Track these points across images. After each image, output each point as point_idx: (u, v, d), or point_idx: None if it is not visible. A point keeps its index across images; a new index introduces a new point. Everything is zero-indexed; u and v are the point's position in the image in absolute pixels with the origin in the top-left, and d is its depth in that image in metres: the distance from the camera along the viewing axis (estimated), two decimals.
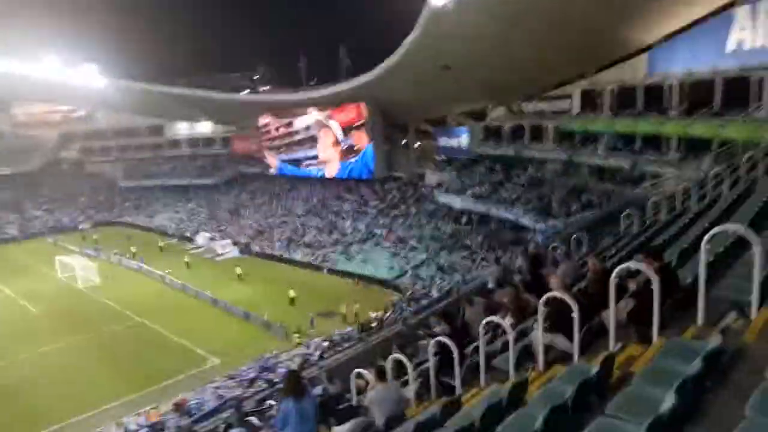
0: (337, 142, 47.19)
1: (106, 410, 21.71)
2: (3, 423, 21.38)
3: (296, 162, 51.70)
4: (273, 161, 54.10)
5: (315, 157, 49.73)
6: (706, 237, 4.76)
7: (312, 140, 49.31)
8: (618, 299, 5.46)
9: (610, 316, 5.40)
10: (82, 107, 68.35)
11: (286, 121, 50.59)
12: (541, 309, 6.18)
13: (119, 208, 64.76)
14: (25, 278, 42.40)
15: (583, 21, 24.77)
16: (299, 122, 49.92)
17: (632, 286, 6.05)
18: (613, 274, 5.32)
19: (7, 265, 47.41)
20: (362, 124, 44.65)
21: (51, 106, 69.08)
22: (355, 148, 46.04)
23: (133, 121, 66.03)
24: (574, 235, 14.79)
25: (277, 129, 51.94)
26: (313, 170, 50.53)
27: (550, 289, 7.16)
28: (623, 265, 5.51)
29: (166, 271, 39.65)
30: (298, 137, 50.55)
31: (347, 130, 45.86)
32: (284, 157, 52.62)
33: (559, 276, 7.69)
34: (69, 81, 51.66)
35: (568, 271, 9.58)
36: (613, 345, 5.34)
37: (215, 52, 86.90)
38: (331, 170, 48.77)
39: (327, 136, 47.92)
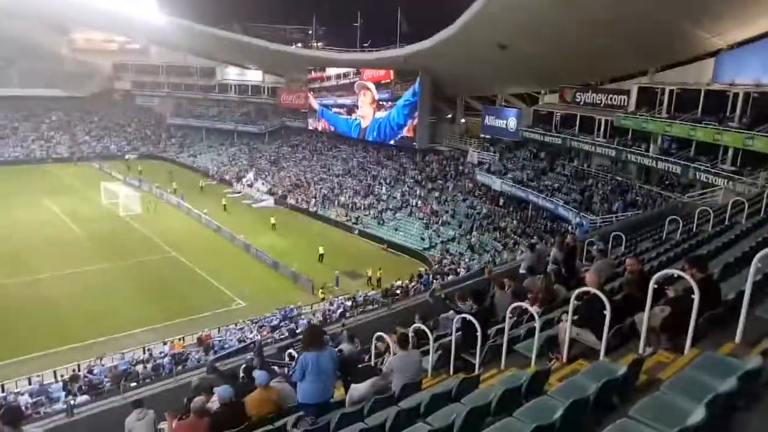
0: (374, 101, 48.55)
1: (133, 334, 22.86)
2: (42, 332, 22.76)
3: (329, 107, 53.16)
4: (314, 104, 55.04)
5: (343, 106, 51.57)
6: (760, 253, 4.65)
7: (342, 89, 51.17)
8: (654, 304, 5.42)
9: (644, 319, 5.37)
10: (138, 40, 69.38)
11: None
12: (573, 302, 6.17)
13: (165, 143, 66.40)
14: (72, 198, 44.30)
15: (650, 15, 23.67)
16: (331, 70, 51.87)
17: (670, 293, 5.98)
18: (654, 278, 5.27)
19: (56, 183, 49.58)
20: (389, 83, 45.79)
21: (108, 35, 70.28)
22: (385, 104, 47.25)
23: (186, 59, 66.94)
24: (613, 234, 14.55)
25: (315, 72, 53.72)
26: (345, 118, 52.00)
27: (581, 283, 7.14)
28: (666, 270, 5.44)
29: (204, 211, 40.74)
30: (328, 84, 52.59)
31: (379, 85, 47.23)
32: (322, 101, 53.77)
33: (595, 271, 7.64)
34: (128, 12, 52.43)
35: (603, 268, 9.48)
36: (643, 348, 5.33)
37: (273, 1, 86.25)
38: (365, 123, 50.12)
39: (366, 95, 49.06)
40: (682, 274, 5.30)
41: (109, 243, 34.50)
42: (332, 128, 53.87)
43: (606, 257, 11.69)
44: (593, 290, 5.94)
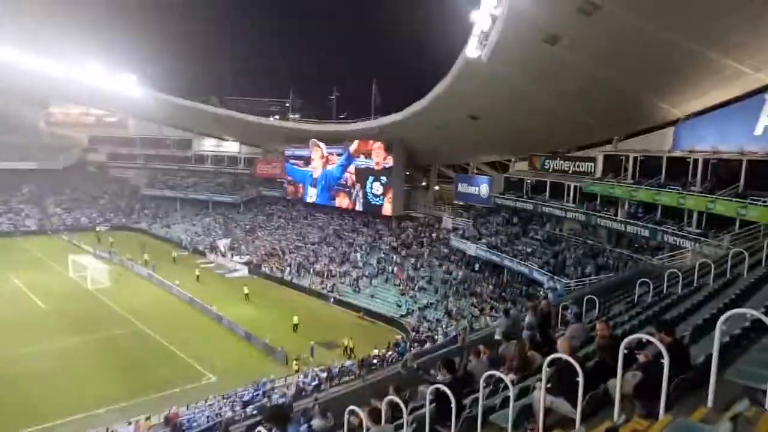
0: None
1: (98, 415, 21.62)
2: (3, 412, 21.44)
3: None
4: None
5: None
6: (723, 317, 4.71)
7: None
8: (626, 370, 5.38)
9: (617, 386, 5.31)
10: (116, 113, 70.18)
11: None
12: (546, 369, 6.09)
13: (138, 214, 65.68)
14: (38, 272, 42.94)
15: (612, 88, 25.14)
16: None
17: (642, 358, 5.96)
18: (623, 344, 5.26)
19: (22, 257, 48.17)
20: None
21: (86, 109, 71.02)
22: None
23: (162, 131, 67.70)
24: (587, 297, 14.63)
25: None
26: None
27: (556, 349, 7.08)
28: (634, 336, 5.43)
29: (176, 282, 39.85)
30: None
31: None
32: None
33: (567, 338, 7.60)
34: (107, 87, 53.33)
35: (577, 333, 9.47)
36: (617, 416, 5.23)
37: (249, 75, 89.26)
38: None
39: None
40: (650, 338, 5.31)
41: (76, 317, 33.23)
42: (299, 189, 54.60)
43: (581, 321, 11.68)
44: (565, 357, 5.89)
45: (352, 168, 48.22)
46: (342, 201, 49.85)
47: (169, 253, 50.77)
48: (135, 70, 53.28)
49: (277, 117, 67.76)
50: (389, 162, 45.07)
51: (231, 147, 66.07)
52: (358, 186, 47.97)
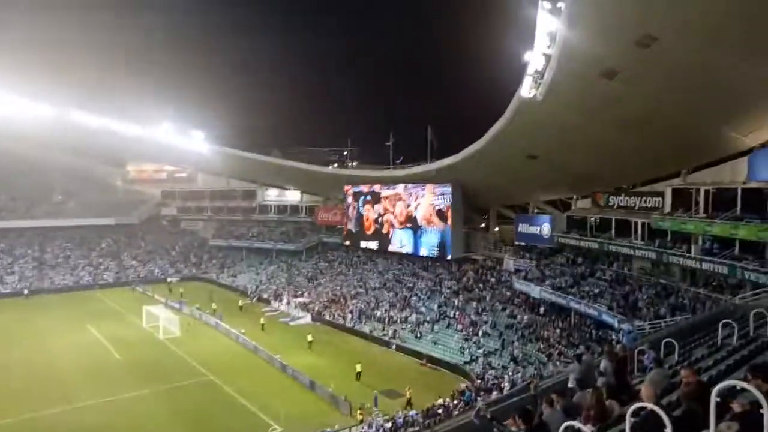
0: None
1: None
2: None
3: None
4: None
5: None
6: None
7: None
8: (719, 420, 4.98)
9: None
10: (186, 169, 74.66)
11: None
12: (629, 419, 5.75)
13: (206, 264, 68.32)
14: (114, 323, 45.07)
15: (676, 119, 24.26)
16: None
17: (737, 407, 5.51)
18: (715, 392, 4.90)
19: (100, 308, 50.85)
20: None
21: (159, 166, 76.20)
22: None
23: (229, 184, 71.18)
24: (664, 340, 13.78)
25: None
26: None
27: (636, 397, 6.67)
28: (728, 383, 5.05)
29: (241, 331, 40.71)
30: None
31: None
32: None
33: (650, 385, 7.16)
34: (178, 145, 56.96)
35: (658, 379, 8.88)
36: None
37: (309, 127, 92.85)
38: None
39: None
40: (745, 385, 4.92)
41: (148, 368, 34.42)
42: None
43: (660, 367, 10.98)
44: (651, 406, 5.55)
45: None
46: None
47: (236, 301, 52.16)
48: (202, 127, 56.73)
49: (335, 165, 69.76)
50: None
51: (293, 196, 68.25)
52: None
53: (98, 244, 68.49)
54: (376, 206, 52.58)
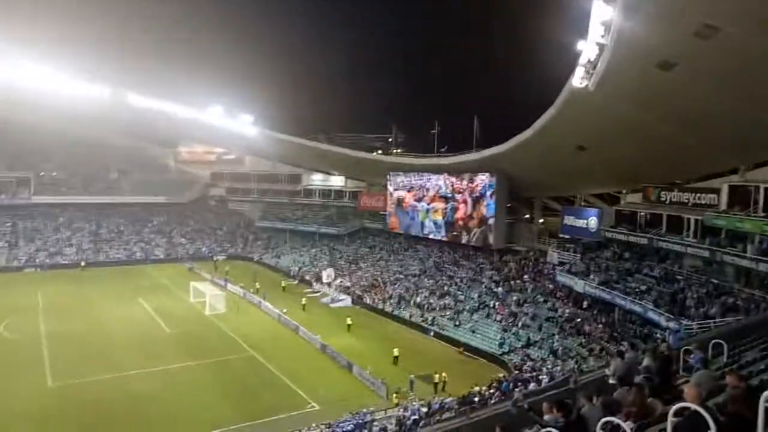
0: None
1: None
2: (125, 426, 23.51)
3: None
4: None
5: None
6: None
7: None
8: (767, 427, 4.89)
9: None
10: (234, 151, 76.59)
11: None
12: (672, 419, 5.69)
13: (251, 245, 70.18)
14: (163, 297, 47.05)
15: (736, 113, 23.09)
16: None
17: None
18: (764, 396, 4.80)
19: (150, 283, 53.09)
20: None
21: (209, 148, 78.51)
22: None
23: (275, 168, 72.65)
24: (713, 341, 13.37)
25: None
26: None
27: (680, 397, 6.57)
28: None
29: (283, 311, 41.72)
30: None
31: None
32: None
33: (695, 385, 7.04)
34: (227, 128, 58.33)
35: (704, 381, 8.68)
36: None
37: (355, 113, 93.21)
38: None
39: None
40: None
41: (194, 341, 35.83)
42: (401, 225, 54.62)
43: (707, 368, 10.71)
44: (695, 406, 5.48)
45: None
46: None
47: (279, 282, 53.41)
48: (251, 111, 57.83)
49: (380, 152, 69.95)
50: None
51: (337, 181, 69.04)
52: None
53: (150, 221, 71.26)
54: (416, 193, 52.45)
